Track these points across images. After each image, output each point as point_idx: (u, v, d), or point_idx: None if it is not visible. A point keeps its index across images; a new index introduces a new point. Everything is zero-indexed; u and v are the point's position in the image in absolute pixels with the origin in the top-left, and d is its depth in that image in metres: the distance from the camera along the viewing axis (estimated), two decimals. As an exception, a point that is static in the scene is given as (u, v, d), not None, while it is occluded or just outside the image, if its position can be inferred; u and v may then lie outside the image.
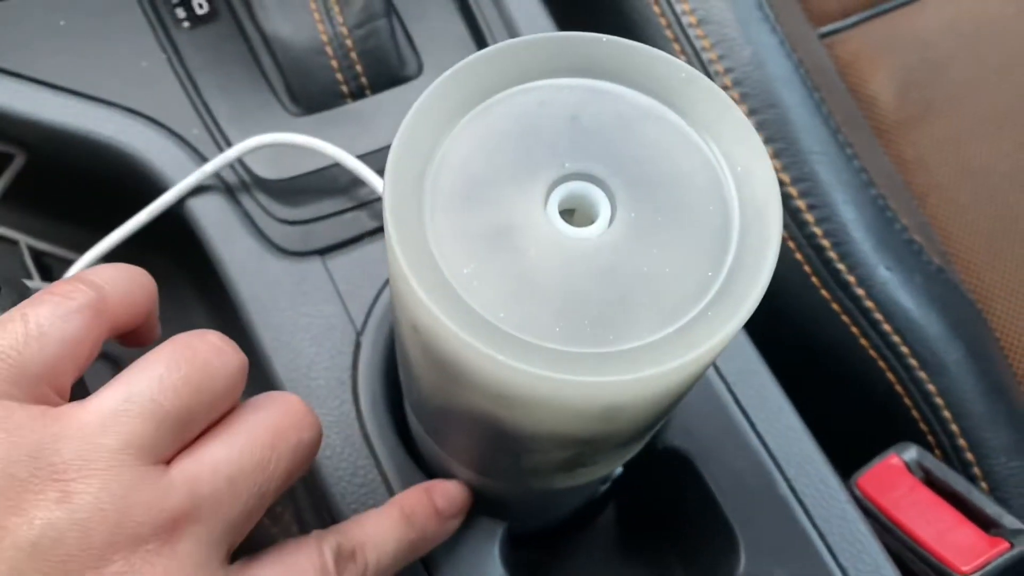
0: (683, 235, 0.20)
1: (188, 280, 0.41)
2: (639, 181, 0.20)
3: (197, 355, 0.21)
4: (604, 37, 0.20)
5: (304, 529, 0.38)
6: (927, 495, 0.33)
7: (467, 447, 0.25)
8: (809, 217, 0.35)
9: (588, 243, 0.19)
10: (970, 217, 0.45)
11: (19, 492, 0.18)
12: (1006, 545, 0.31)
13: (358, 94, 0.34)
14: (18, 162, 0.38)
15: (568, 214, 0.20)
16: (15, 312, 0.20)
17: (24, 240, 0.42)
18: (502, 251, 0.19)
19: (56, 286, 0.21)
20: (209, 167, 0.31)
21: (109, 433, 0.19)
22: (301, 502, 0.38)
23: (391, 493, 0.28)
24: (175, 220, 0.33)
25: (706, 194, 0.20)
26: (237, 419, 0.21)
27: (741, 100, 0.36)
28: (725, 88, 0.36)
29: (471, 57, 0.20)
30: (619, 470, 0.30)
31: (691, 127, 0.20)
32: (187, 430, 0.20)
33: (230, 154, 0.31)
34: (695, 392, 0.31)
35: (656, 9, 0.36)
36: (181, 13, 0.36)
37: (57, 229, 0.42)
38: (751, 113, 0.35)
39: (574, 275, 0.19)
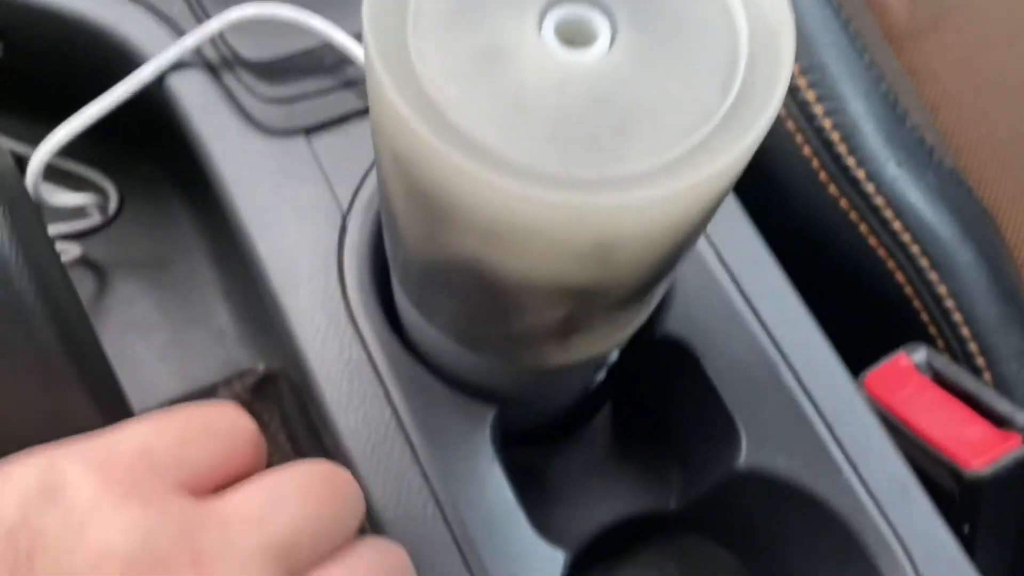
0: (688, 60, 0.18)
1: (168, 178, 0.39)
2: (641, 4, 0.18)
3: (337, 486, 0.22)
4: None
5: (289, 427, 0.37)
6: (937, 393, 0.32)
7: (454, 313, 0.24)
8: (818, 109, 0.34)
9: (586, 67, 0.18)
10: (982, 129, 0.44)
11: (158, 562, 0.19)
12: (1018, 440, 0.30)
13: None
14: (-4, 52, 0.36)
15: (563, 38, 0.19)
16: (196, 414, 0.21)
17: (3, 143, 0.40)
18: (492, 73, 0.18)
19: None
20: (189, 40, 0.30)
21: (251, 534, 0.20)
22: (287, 405, 0.37)
23: (376, 372, 0.27)
24: (153, 108, 0.32)
25: (714, 18, 0.19)
26: (358, 551, 0.22)
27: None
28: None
29: None
30: (615, 355, 0.28)
31: None
32: (315, 552, 0.21)
33: (211, 26, 0.29)
34: (695, 278, 0.29)
35: None
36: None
37: (35, 131, 0.40)
38: None
39: (570, 100, 0.18)
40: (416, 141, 0.17)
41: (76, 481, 0.19)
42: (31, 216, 0.25)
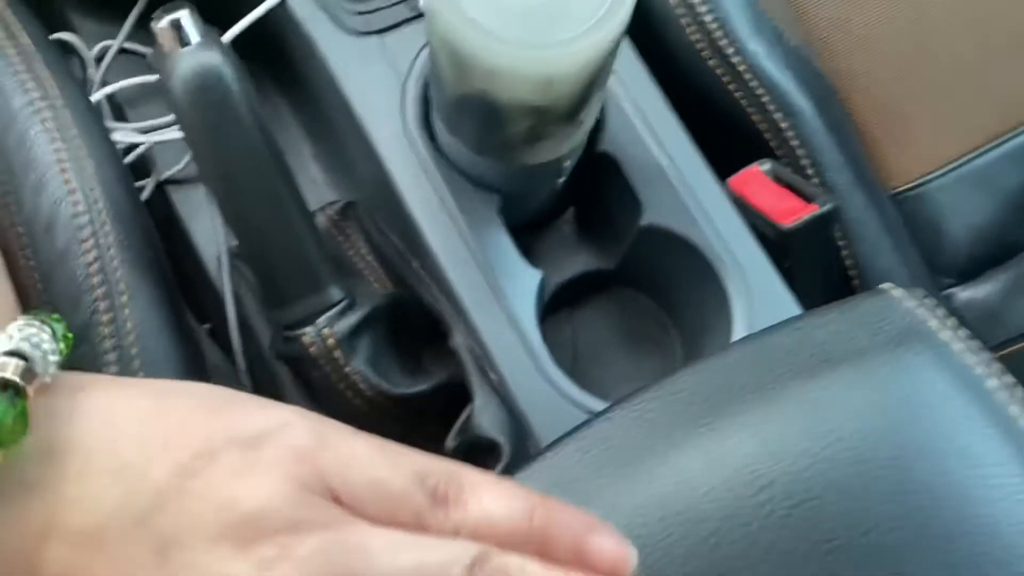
0: None
1: (267, 76, 0.58)
2: None
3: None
4: None
5: (366, 232, 0.56)
6: (773, 187, 0.51)
7: (470, 127, 0.43)
8: (702, 8, 0.52)
9: None
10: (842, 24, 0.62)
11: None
12: (815, 207, 0.49)
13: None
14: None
15: None
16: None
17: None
18: None
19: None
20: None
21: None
22: (364, 221, 0.56)
23: (428, 176, 0.46)
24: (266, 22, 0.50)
25: None
26: None
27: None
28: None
29: None
30: (569, 164, 0.48)
31: None
32: None
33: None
34: (616, 113, 0.48)
35: None
36: None
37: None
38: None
39: (527, 3, 0.36)
40: (452, 27, 0.36)
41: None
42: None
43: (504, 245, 0.46)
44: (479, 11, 0.36)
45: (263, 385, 0.52)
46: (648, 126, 0.49)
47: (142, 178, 0.59)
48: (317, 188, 0.61)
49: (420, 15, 0.49)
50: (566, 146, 0.45)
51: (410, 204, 0.46)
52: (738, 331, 0.46)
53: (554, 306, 0.52)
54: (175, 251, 0.63)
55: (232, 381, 0.57)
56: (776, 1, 0.58)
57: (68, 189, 0.43)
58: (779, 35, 0.54)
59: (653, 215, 0.47)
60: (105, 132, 0.48)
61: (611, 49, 0.38)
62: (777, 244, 0.50)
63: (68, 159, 0.43)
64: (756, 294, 0.47)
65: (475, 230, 0.46)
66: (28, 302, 0.41)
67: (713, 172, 0.49)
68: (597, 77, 0.40)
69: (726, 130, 0.54)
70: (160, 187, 0.59)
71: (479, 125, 0.42)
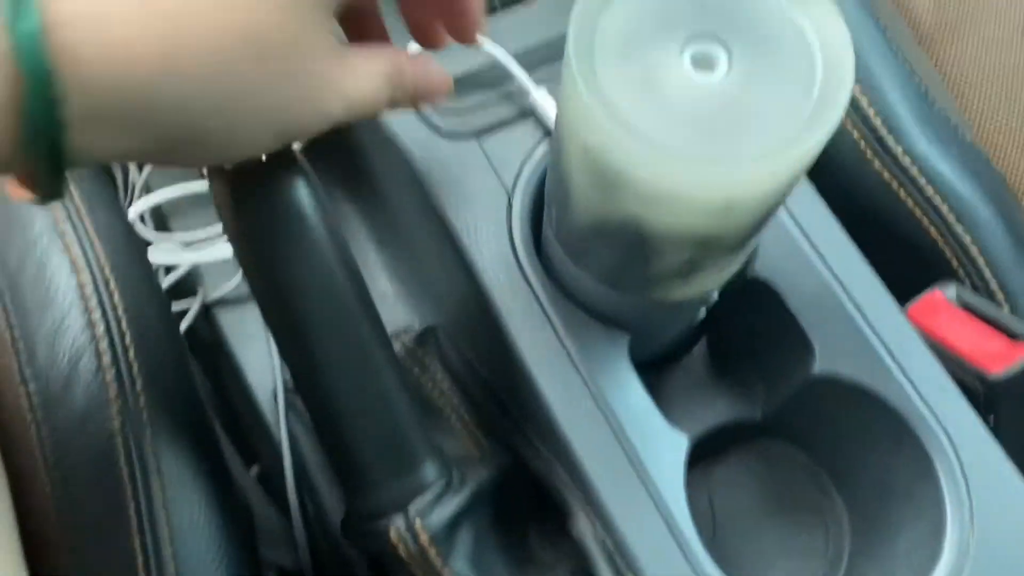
0: (781, 78, 0.28)
1: (335, 183, 0.49)
2: (749, 41, 0.28)
3: None
4: None
5: (448, 368, 0.46)
6: (965, 318, 0.41)
7: (605, 260, 0.33)
8: (863, 101, 0.43)
9: (712, 84, 0.27)
10: (1001, 115, 0.53)
11: None
12: (1029, 348, 0.39)
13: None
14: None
15: (696, 64, 0.28)
16: None
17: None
18: (650, 91, 0.27)
19: None
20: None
21: None
22: (445, 351, 0.47)
23: (541, 307, 0.37)
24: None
25: (798, 48, 0.28)
26: None
27: None
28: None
29: None
30: (715, 295, 0.38)
31: (789, 3, 0.28)
32: None
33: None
34: (777, 235, 0.39)
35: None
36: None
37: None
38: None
39: (702, 107, 0.27)
40: (604, 133, 0.27)
41: None
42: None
43: (639, 400, 0.36)
44: (643, 116, 0.27)
45: (327, 568, 0.42)
46: (813, 245, 0.39)
47: (185, 295, 0.50)
48: (387, 304, 0.51)
49: (527, 114, 0.40)
50: (723, 277, 0.35)
51: (519, 343, 0.37)
52: (951, 513, 0.35)
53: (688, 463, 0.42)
54: (222, 382, 0.53)
55: (281, 545, 0.47)
56: (944, 91, 0.48)
57: (91, 335, 0.33)
58: (953, 130, 0.44)
59: (829, 362, 0.37)
60: (142, 252, 0.39)
61: (809, 164, 0.29)
62: (978, 395, 0.39)
63: (93, 294, 0.34)
64: (968, 466, 0.36)
65: (602, 379, 0.36)
66: (32, 489, 0.31)
67: (898, 304, 0.39)
68: (783, 197, 0.30)
69: (895, 245, 0.44)
70: (206, 308, 0.50)
71: (620, 256, 0.33)
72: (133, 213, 0.49)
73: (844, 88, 0.27)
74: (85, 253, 0.35)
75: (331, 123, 0.29)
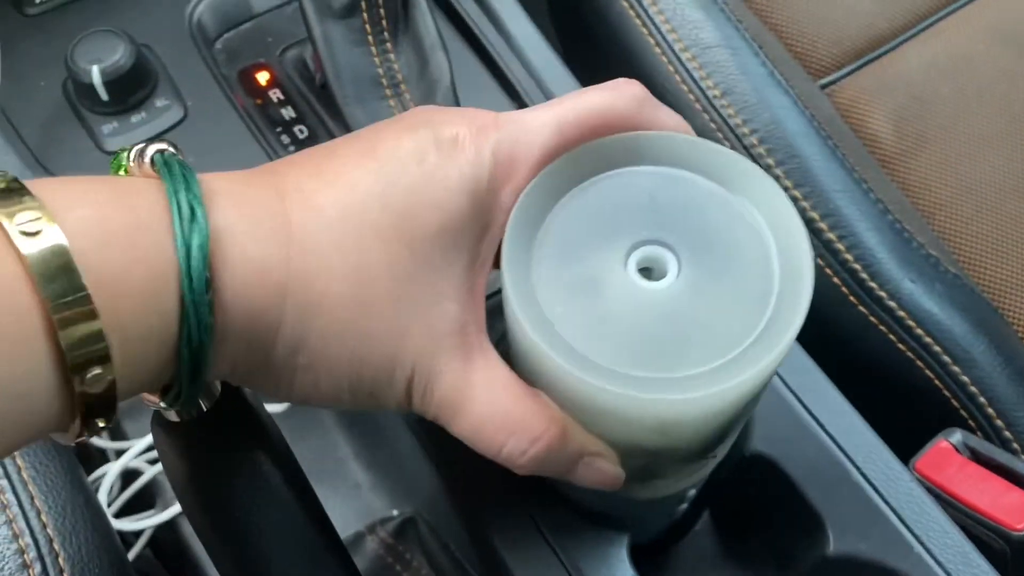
0: (734, 288, 0.25)
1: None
2: (701, 247, 0.26)
3: None
4: (678, 136, 0.27)
5: (433, 562, 0.43)
6: (976, 470, 0.38)
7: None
8: (840, 246, 0.41)
9: (657, 292, 0.25)
10: (974, 227, 0.52)
11: None
12: (1051, 501, 0.36)
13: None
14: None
15: (643, 271, 0.26)
16: None
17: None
18: (588, 297, 0.25)
19: None
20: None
21: None
22: (428, 543, 0.43)
23: (528, 512, 0.34)
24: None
25: (754, 258, 0.26)
26: None
27: (767, 155, 0.42)
28: (752, 147, 0.42)
29: (579, 147, 0.26)
30: (692, 492, 0.35)
31: (744, 206, 0.26)
32: None
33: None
34: (771, 404, 0.36)
35: (684, 88, 0.43)
36: (286, 139, 0.42)
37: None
38: (777, 165, 0.42)
39: (644, 317, 0.25)
40: (529, 342, 0.24)
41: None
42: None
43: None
44: (573, 325, 0.25)
45: None
46: (810, 412, 0.36)
47: (144, 509, 0.46)
48: (362, 495, 0.48)
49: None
50: (692, 480, 0.32)
51: (509, 558, 0.34)
52: None
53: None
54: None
55: None
56: (916, 219, 0.47)
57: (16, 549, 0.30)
58: (935, 265, 0.43)
59: (844, 542, 0.34)
60: (86, 491, 0.36)
61: (761, 387, 0.26)
62: (1002, 555, 0.36)
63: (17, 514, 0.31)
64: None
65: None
66: None
67: (905, 467, 0.36)
68: (737, 418, 0.28)
69: (893, 393, 0.42)
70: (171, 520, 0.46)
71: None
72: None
73: (799, 309, 0.25)
74: (24, 512, 0.32)
75: (413, 409, 0.26)
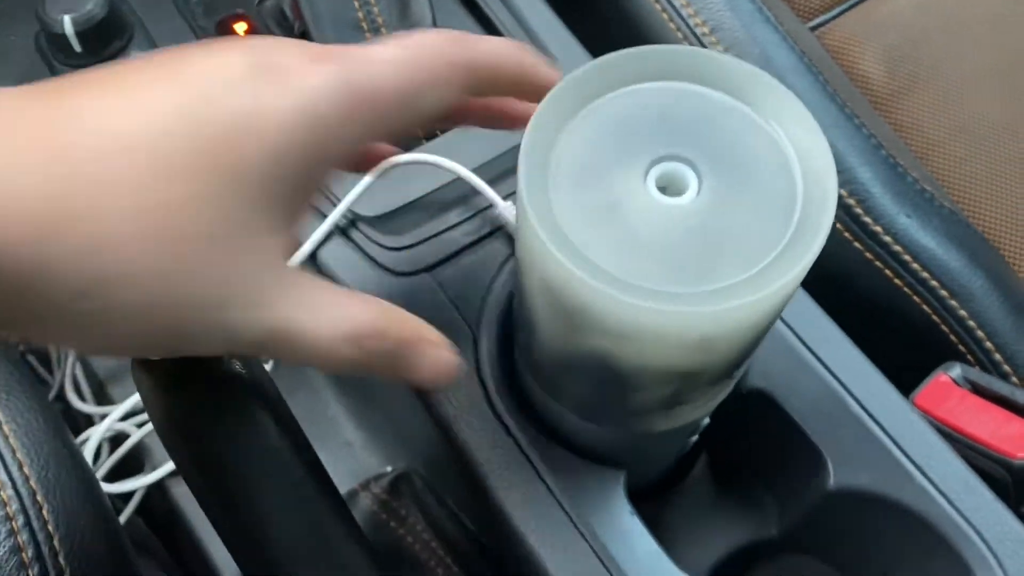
0: (758, 198, 0.25)
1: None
2: (720, 160, 0.25)
3: None
4: (685, 49, 0.26)
5: (428, 517, 0.42)
6: (976, 401, 0.38)
7: (580, 394, 0.30)
8: (833, 181, 0.41)
9: (680, 208, 0.24)
10: (968, 168, 0.51)
11: None
12: (1053, 428, 0.36)
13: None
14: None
15: (662, 188, 0.25)
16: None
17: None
18: (612, 220, 0.24)
19: None
20: (331, 219, 0.36)
21: None
22: (423, 497, 0.43)
23: (524, 455, 0.33)
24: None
25: (775, 168, 0.25)
26: None
27: (758, 91, 0.41)
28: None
29: (585, 66, 0.25)
30: (706, 420, 0.34)
31: (759, 116, 0.25)
32: None
33: (348, 199, 0.36)
34: (769, 339, 0.36)
35: (672, 25, 0.42)
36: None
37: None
38: (768, 101, 0.41)
39: (670, 234, 0.24)
40: (562, 271, 0.24)
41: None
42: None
43: (644, 544, 0.33)
44: (603, 249, 0.24)
45: None
46: (809, 348, 0.36)
47: (133, 473, 0.46)
48: (354, 453, 0.47)
49: (493, 232, 0.37)
50: (712, 405, 0.32)
51: (502, 498, 0.33)
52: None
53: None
54: (183, 557, 0.48)
55: None
56: (910, 157, 0.46)
57: (15, 544, 0.29)
58: (930, 200, 0.42)
59: (845, 474, 0.34)
60: (71, 448, 0.35)
61: (792, 293, 0.26)
62: (1004, 484, 0.36)
63: (18, 511, 0.30)
64: (1006, 562, 0.33)
65: (600, 528, 0.33)
66: None
67: (905, 400, 0.36)
68: (766, 327, 0.27)
69: (891, 329, 0.42)
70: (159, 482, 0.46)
71: (595, 391, 0.29)
72: (69, 387, 0.45)
73: (826, 211, 0.24)
74: (5, 465, 0.31)
75: (237, 348, 0.24)
